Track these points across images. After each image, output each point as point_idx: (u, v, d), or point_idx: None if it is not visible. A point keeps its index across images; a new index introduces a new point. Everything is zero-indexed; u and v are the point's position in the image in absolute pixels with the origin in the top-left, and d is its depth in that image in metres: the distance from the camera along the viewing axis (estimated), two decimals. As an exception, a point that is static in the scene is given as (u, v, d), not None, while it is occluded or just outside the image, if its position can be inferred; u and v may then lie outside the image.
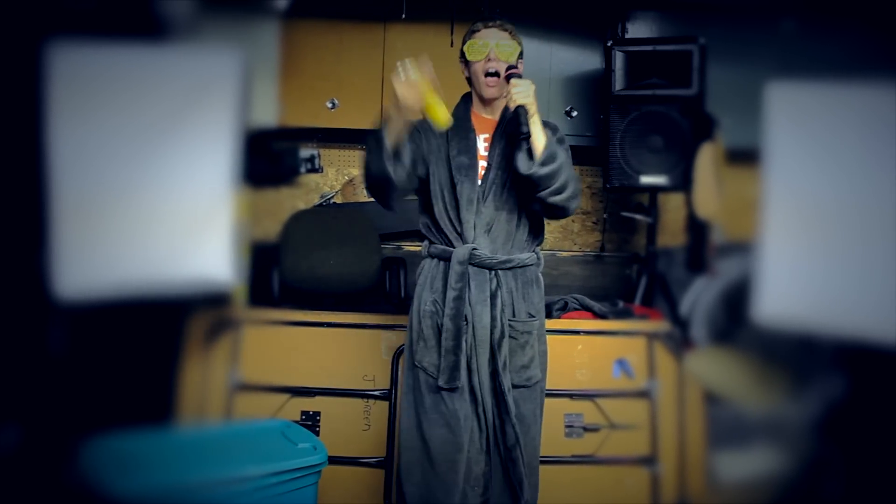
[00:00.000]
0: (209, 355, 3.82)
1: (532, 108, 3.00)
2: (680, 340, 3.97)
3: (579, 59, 4.86)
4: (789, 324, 3.58)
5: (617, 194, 4.96)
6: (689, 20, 4.60)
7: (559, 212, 3.16)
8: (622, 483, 3.85)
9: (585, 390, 3.87)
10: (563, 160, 3.03)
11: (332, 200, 5.03)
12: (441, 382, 3.08)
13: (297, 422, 3.72)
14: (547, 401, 3.80)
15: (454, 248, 3.13)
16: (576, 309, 4.23)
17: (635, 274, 4.88)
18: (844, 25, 3.71)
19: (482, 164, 3.18)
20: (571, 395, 3.86)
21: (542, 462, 3.57)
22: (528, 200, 3.14)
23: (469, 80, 3.25)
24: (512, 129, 3.08)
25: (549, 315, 4.17)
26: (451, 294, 3.09)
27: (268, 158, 4.61)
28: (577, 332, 3.95)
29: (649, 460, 3.85)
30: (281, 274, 4.57)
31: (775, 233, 3.63)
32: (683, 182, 4.32)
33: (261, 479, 3.13)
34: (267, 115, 4.39)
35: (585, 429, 3.85)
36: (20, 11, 3.42)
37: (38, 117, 3.41)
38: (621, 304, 4.34)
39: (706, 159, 4.20)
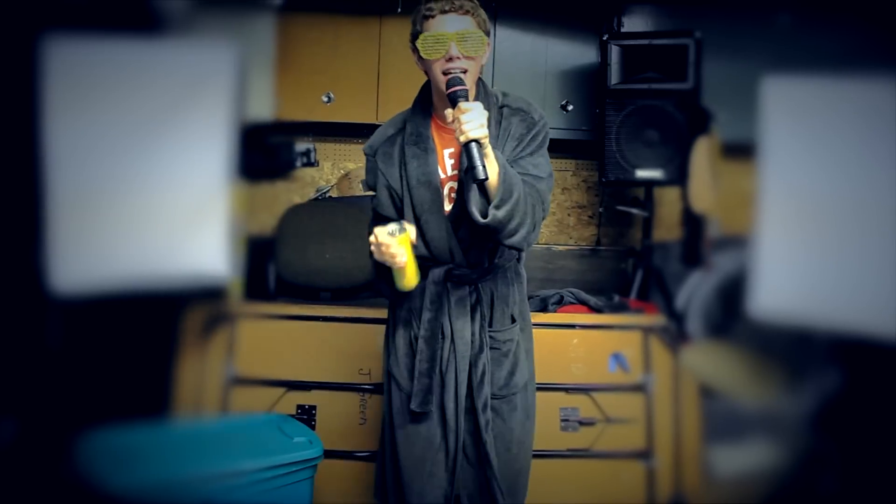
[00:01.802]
0: (205, 349, 3.82)
1: (485, 141, 2.52)
2: (676, 334, 3.98)
3: (575, 53, 4.85)
4: (785, 318, 3.58)
5: (613, 188, 4.96)
6: (685, 14, 4.59)
7: (516, 249, 2.80)
8: (618, 477, 3.85)
9: (581, 384, 3.87)
10: (519, 193, 2.57)
11: (327, 194, 5.02)
12: (413, 406, 2.83)
13: (292, 416, 3.73)
14: (542, 394, 3.79)
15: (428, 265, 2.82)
16: (571, 303, 4.23)
17: (631, 268, 4.87)
18: (840, 20, 3.71)
19: (451, 185, 2.80)
20: (567, 389, 3.86)
21: (537, 456, 3.58)
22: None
23: (426, 72, 2.77)
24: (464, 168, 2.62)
25: (545, 309, 4.19)
26: (426, 315, 2.83)
27: (263, 152, 4.60)
28: (572, 326, 3.95)
29: (645, 454, 3.86)
30: (277, 268, 4.56)
31: (771, 227, 3.64)
32: (679, 176, 4.32)
33: (257, 472, 3.13)
34: (262, 109, 4.39)
35: (581, 423, 3.86)
36: (16, 5, 3.41)
37: (34, 112, 3.41)
38: (617, 298, 4.35)
39: (702, 153, 4.20)
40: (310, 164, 4.98)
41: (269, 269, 4.56)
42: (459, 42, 2.62)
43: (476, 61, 2.67)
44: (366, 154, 2.91)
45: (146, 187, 3.62)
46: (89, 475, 2.95)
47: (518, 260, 2.95)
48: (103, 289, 3.51)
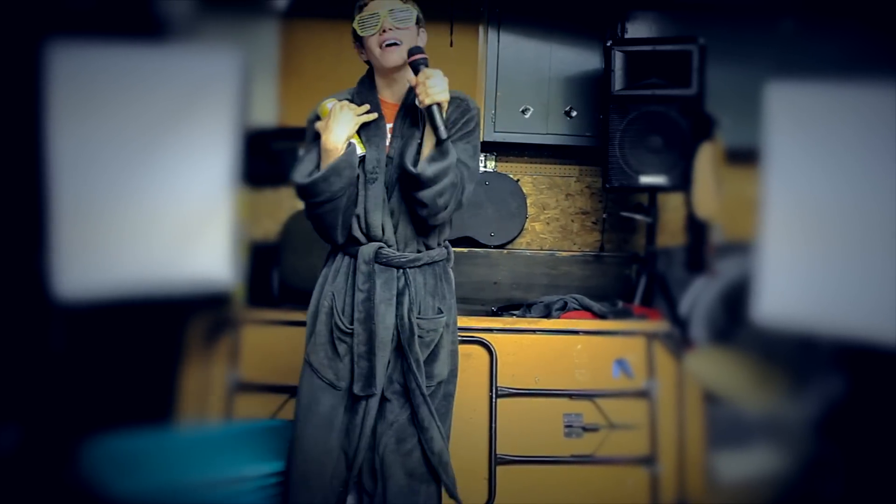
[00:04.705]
0: (209, 355, 3.82)
1: (445, 105, 2.79)
2: (679, 340, 3.97)
3: (579, 59, 4.85)
4: (788, 324, 3.58)
5: (616, 194, 4.95)
6: (689, 20, 4.59)
7: (428, 217, 2.88)
8: (621, 483, 3.84)
9: (585, 390, 3.87)
10: (452, 161, 2.79)
11: (331, 200, 5.02)
12: (356, 390, 2.89)
13: (296, 422, 3.72)
14: (546, 401, 3.82)
15: (360, 245, 2.92)
16: (575, 309, 4.23)
17: (635, 274, 4.87)
18: (843, 25, 3.71)
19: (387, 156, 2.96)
20: (571, 395, 3.86)
21: (542, 462, 3.58)
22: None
23: (369, 63, 2.98)
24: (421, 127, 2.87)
25: (548, 315, 4.19)
26: (359, 296, 2.90)
27: (267, 158, 4.60)
28: (576, 332, 3.95)
29: (649, 460, 3.85)
30: (280, 274, 4.56)
31: (775, 233, 3.64)
32: (683, 182, 4.31)
33: (260, 479, 3.13)
34: (266, 115, 4.38)
35: (585, 429, 3.85)
36: (20, 11, 3.42)
37: (38, 117, 3.41)
38: (621, 303, 4.34)
39: (706, 159, 4.19)
40: (313, 170, 4.98)
41: (273, 275, 4.56)
42: (392, 16, 2.84)
43: (409, 33, 2.89)
44: (309, 121, 3.02)
45: (150, 193, 3.63)
46: (93, 481, 2.95)
47: (447, 260, 3.06)
48: (107, 295, 3.51)
